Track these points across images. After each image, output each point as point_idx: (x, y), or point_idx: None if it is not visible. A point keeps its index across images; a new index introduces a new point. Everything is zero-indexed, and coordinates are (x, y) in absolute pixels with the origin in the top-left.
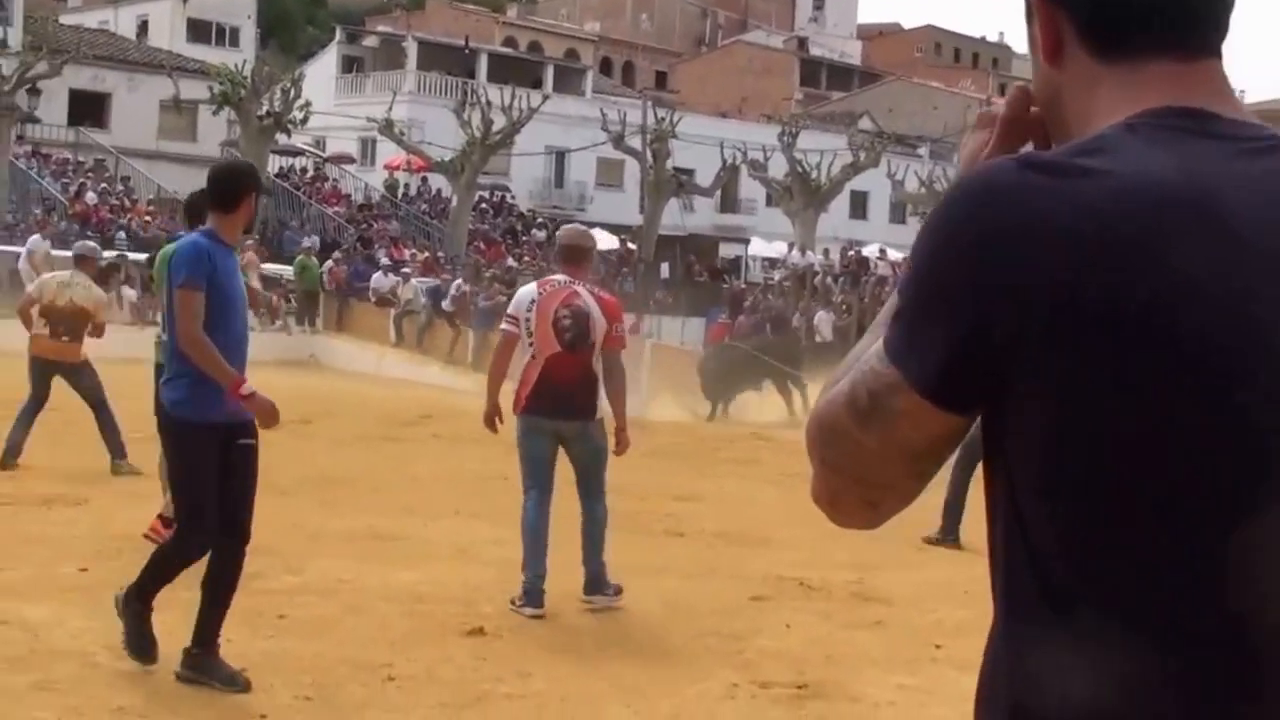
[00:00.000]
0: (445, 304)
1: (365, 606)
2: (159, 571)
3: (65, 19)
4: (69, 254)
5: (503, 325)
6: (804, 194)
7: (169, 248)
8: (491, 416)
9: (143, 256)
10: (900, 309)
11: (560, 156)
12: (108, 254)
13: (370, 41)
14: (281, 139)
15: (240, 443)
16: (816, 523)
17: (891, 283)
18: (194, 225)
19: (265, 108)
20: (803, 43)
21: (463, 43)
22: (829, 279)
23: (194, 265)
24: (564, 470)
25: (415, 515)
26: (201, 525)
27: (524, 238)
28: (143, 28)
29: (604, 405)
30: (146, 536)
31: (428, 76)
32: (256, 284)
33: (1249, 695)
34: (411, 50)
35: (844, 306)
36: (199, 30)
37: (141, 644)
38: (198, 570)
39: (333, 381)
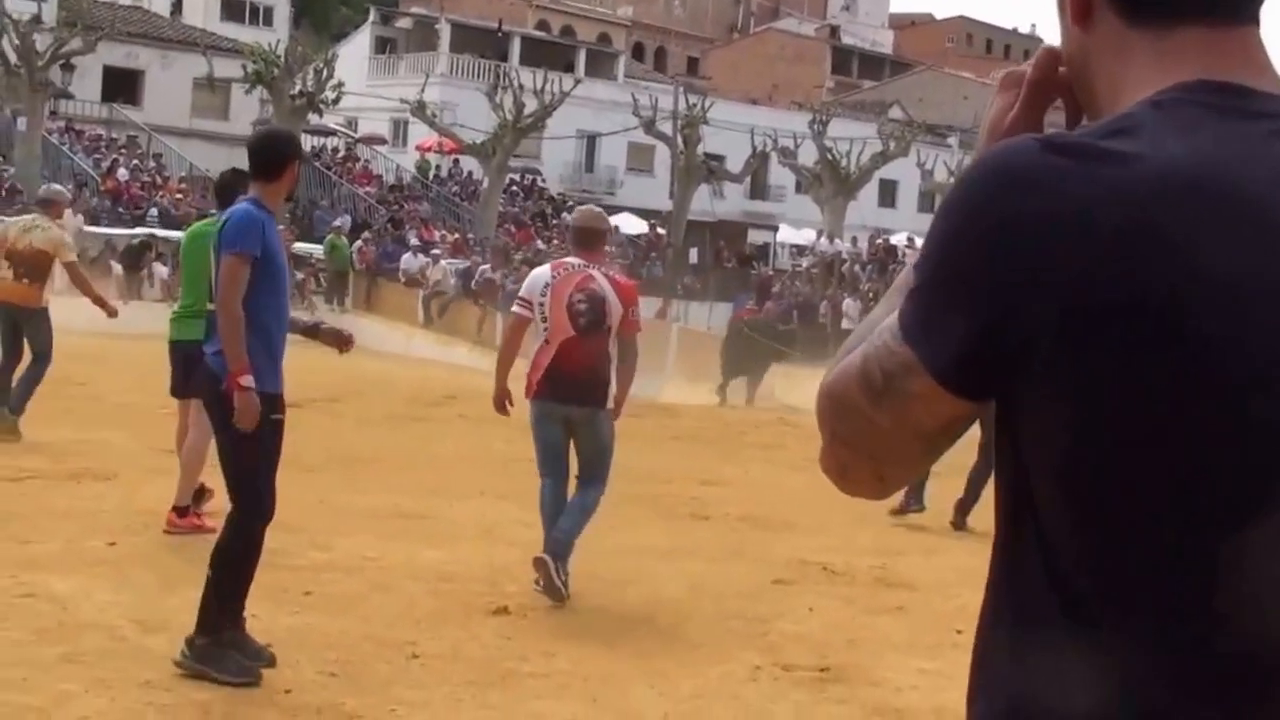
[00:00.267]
0: (474, 285)
1: (391, 584)
2: (225, 564)
3: None
4: (100, 230)
5: (514, 308)
6: (833, 182)
7: (198, 225)
8: (500, 400)
9: (174, 234)
10: (917, 287)
11: (591, 141)
12: (138, 232)
13: (404, 23)
14: (314, 119)
15: (273, 417)
16: (841, 508)
17: None
18: (224, 205)
19: (298, 87)
20: (835, 31)
21: (496, 25)
22: (857, 267)
23: (249, 234)
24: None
25: (441, 495)
26: (262, 500)
27: (554, 221)
28: (177, 5)
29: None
30: (168, 532)
31: (460, 59)
32: None
33: (1254, 698)
34: (445, 32)
35: (871, 295)
36: (233, 9)
37: (259, 659)
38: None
39: (361, 361)
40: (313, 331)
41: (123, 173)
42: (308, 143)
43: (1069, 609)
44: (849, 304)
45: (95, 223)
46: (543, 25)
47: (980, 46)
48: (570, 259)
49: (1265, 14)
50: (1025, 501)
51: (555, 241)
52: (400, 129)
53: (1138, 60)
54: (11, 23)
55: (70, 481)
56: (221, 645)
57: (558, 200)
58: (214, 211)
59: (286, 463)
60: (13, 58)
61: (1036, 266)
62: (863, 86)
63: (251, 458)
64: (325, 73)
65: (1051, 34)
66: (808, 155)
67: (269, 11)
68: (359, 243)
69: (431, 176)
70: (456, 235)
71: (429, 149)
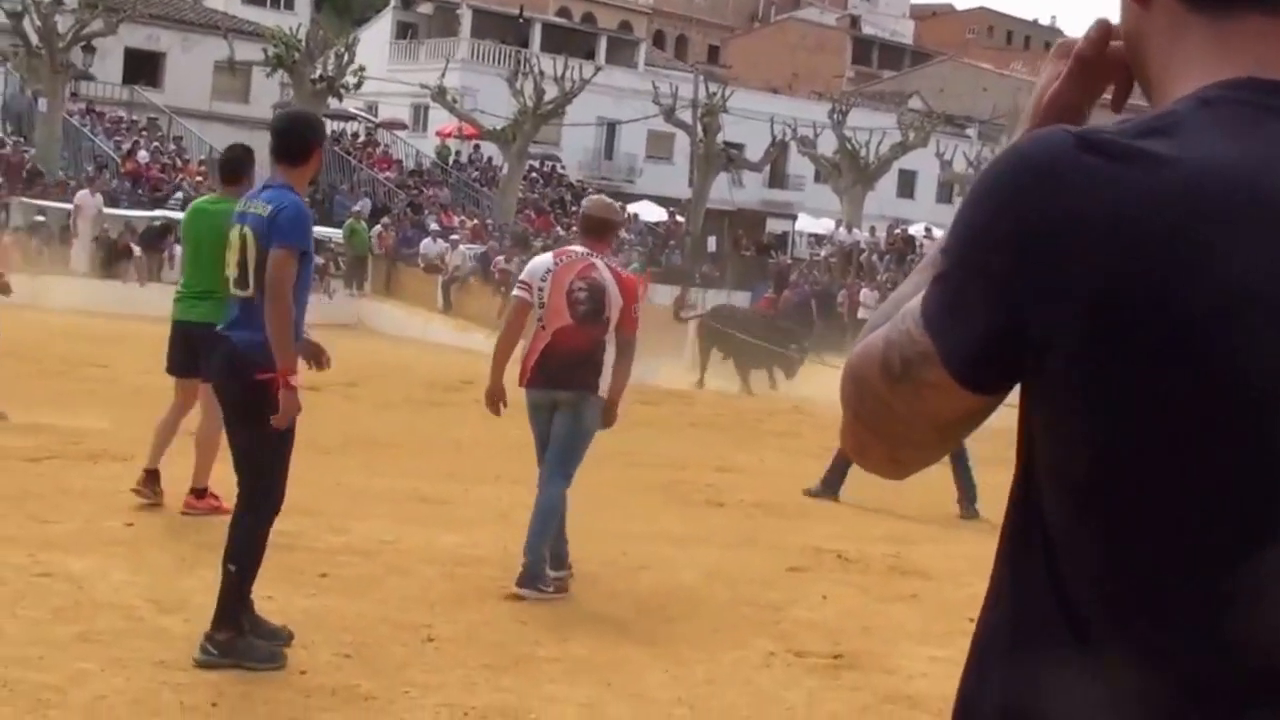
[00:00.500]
0: (492, 270)
1: (407, 568)
2: (246, 551)
3: None
4: (119, 212)
5: (515, 291)
6: (852, 171)
7: (200, 203)
8: (494, 396)
9: None
10: (940, 275)
11: (611, 128)
12: (158, 214)
13: (425, 8)
14: (334, 103)
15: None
16: (855, 496)
17: None
18: (229, 182)
19: (319, 71)
20: (855, 21)
21: (517, 12)
22: (875, 257)
23: (303, 229)
24: (593, 441)
25: (458, 479)
26: (275, 493)
27: (573, 208)
28: None
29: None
30: (185, 513)
31: (481, 44)
32: None
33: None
34: (466, 18)
35: (889, 284)
36: None
37: (275, 638)
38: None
39: (379, 345)
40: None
41: (143, 155)
42: (328, 127)
43: (1072, 619)
44: (865, 293)
45: (115, 204)
46: (564, 12)
47: (1001, 38)
48: (575, 247)
49: None
50: (1034, 504)
51: (574, 228)
52: (420, 114)
53: (1192, 45)
54: (33, 4)
55: (88, 462)
56: (243, 635)
57: (577, 187)
58: (213, 191)
59: (304, 445)
60: (34, 39)
61: (1060, 270)
62: (883, 76)
63: (273, 452)
64: (346, 57)
65: (1071, 27)
66: (827, 145)
67: None
68: (378, 227)
69: (451, 162)
70: (476, 221)
71: (449, 134)
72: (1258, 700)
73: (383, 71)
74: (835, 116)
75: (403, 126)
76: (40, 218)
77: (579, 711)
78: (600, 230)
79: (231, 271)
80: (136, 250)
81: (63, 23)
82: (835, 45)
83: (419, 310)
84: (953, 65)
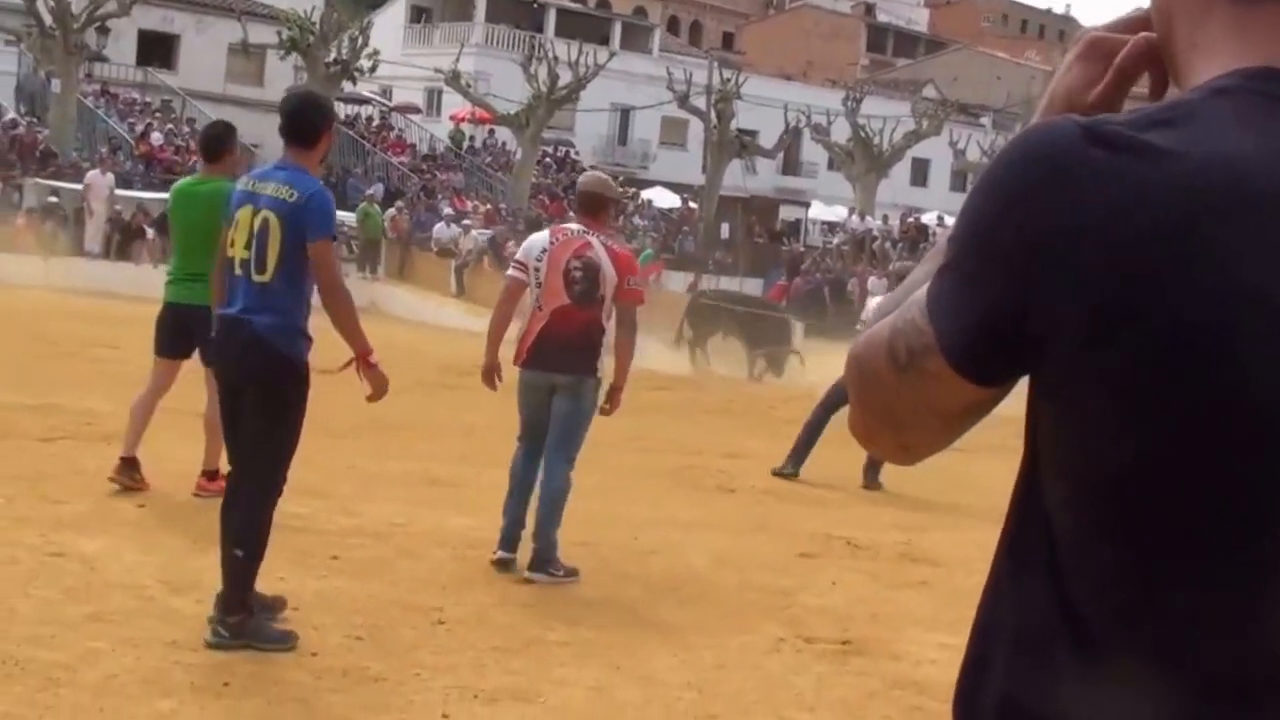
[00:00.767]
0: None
1: (418, 550)
2: (258, 536)
3: None
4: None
5: (510, 271)
6: (866, 159)
7: (185, 184)
8: (489, 373)
9: None
10: (944, 266)
11: (625, 114)
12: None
13: None
14: (348, 87)
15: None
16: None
17: None
18: (211, 160)
19: (333, 55)
20: (870, 8)
21: None
22: (887, 244)
23: (334, 217)
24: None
25: (469, 463)
26: (283, 479)
27: None
28: None
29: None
30: (197, 495)
31: (496, 29)
32: None
33: None
34: (480, 2)
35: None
36: None
37: (276, 607)
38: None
39: (392, 329)
40: None
41: (156, 137)
42: (342, 111)
43: (1073, 618)
44: (874, 282)
45: (128, 186)
46: None
47: (1015, 26)
48: (570, 225)
49: None
50: (1037, 498)
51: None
52: (434, 98)
53: (1215, 29)
54: None
55: (101, 443)
56: (254, 615)
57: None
58: (198, 172)
59: (315, 428)
60: (48, 19)
61: (1060, 264)
62: (897, 64)
63: (290, 440)
64: (360, 41)
65: (1086, 14)
66: (840, 132)
67: None
68: (392, 211)
69: (465, 147)
70: (489, 206)
71: (463, 119)
72: (1269, 706)
73: (397, 55)
74: (849, 104)
75: (416, 111)
76: (53, 198)
77: (588, 694)
78: (596, 207)
79: (240, 254)
80: (150, 232)
81: (76, 3)
82: (850, 33)
83: (432, 294)
84: (967, 53)
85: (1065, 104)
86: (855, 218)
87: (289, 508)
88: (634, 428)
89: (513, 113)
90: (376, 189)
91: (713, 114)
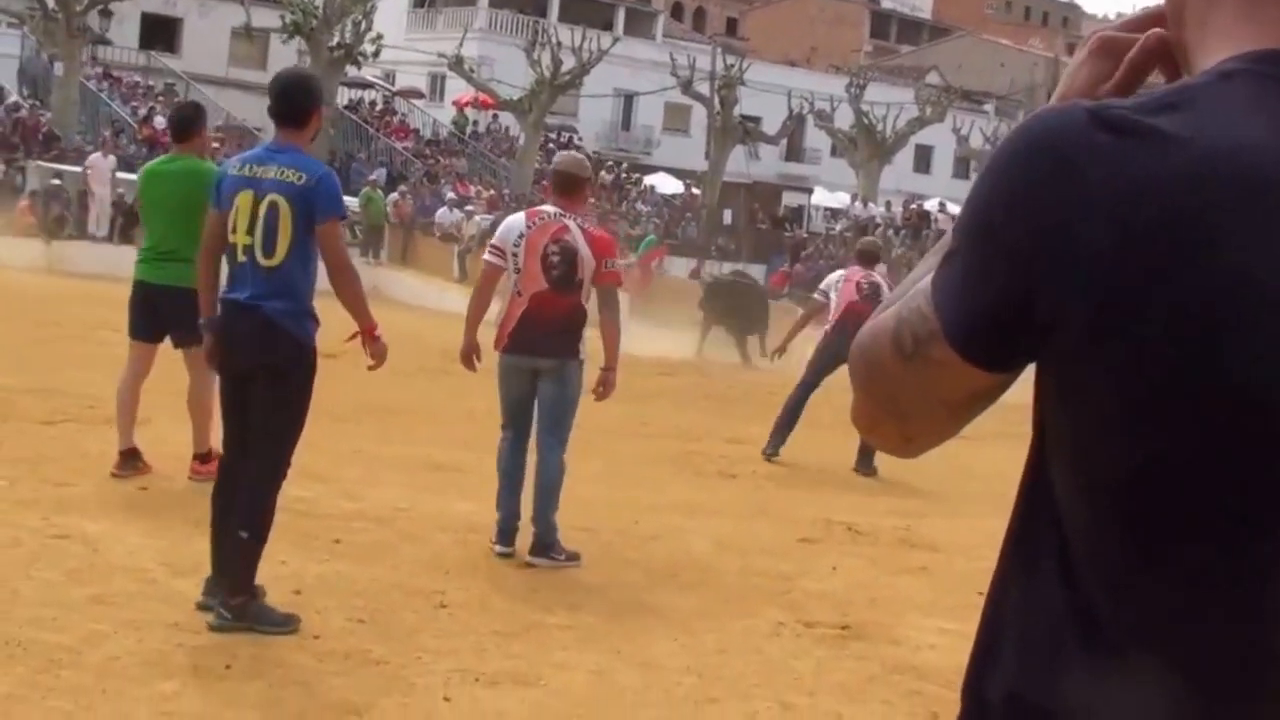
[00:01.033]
0: None
1: (420, 535)
2: (266, 519)
3: None
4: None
5: (486, 255)
6: (869, 146)
7: (156, 164)
8: (469, 354)
9: None
10: (951, 251)
11: (628, 100)
12: None
13: None
14: (351, 71)
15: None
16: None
17: None
18: (181, 140)
19: (336, 39)
20: None
21: None
22: (890, 231)
23: (341, 199)
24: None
25: (472, 447)
26: (291, 455)
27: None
28: None
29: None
30: (192, 479)
31: (499, 14)
32: None
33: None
34: None
35: (904, 261)
36: None
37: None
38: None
39: (395, 314)
40: None
41: (159, 120)
42: (345, 95)
43: (1082, 613)
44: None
45: (131, 169)
46: None
47: (1019, 13)
48: (546, 207)
49: None
50: (1045, 489)
51: (591, 200)
52: (437, 83)
53: (1225, 13)
54: None
55: (103, 425)
56: (256, 598)
57: (594, 158)
58: (172, 151)
59: (318, 413)
60: (50, 3)
61: (1064, 250)
62: (900, 51)
63: (299, 423)
64: (364, 25)
65: (1090, 2)
66: (844, 119)
67: None
68: (394, 196)
69: (468, 132)
70: (492, 191)
71: (466, 104)
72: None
73: (400, 40)
74: (852, 90)
75: (420, 95)
76: (57, 181)
77: (589, 678)
78: (572, 188)
79: (242, 239)
80: None
81: None
82: (853, 19)
83: (435, 279)
84: (971, 40)
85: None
86: (858, 204)
87: (292, 491)
88: (635, 413)
89: (516, 98)
90: (379, 174)
91: (716, 100)
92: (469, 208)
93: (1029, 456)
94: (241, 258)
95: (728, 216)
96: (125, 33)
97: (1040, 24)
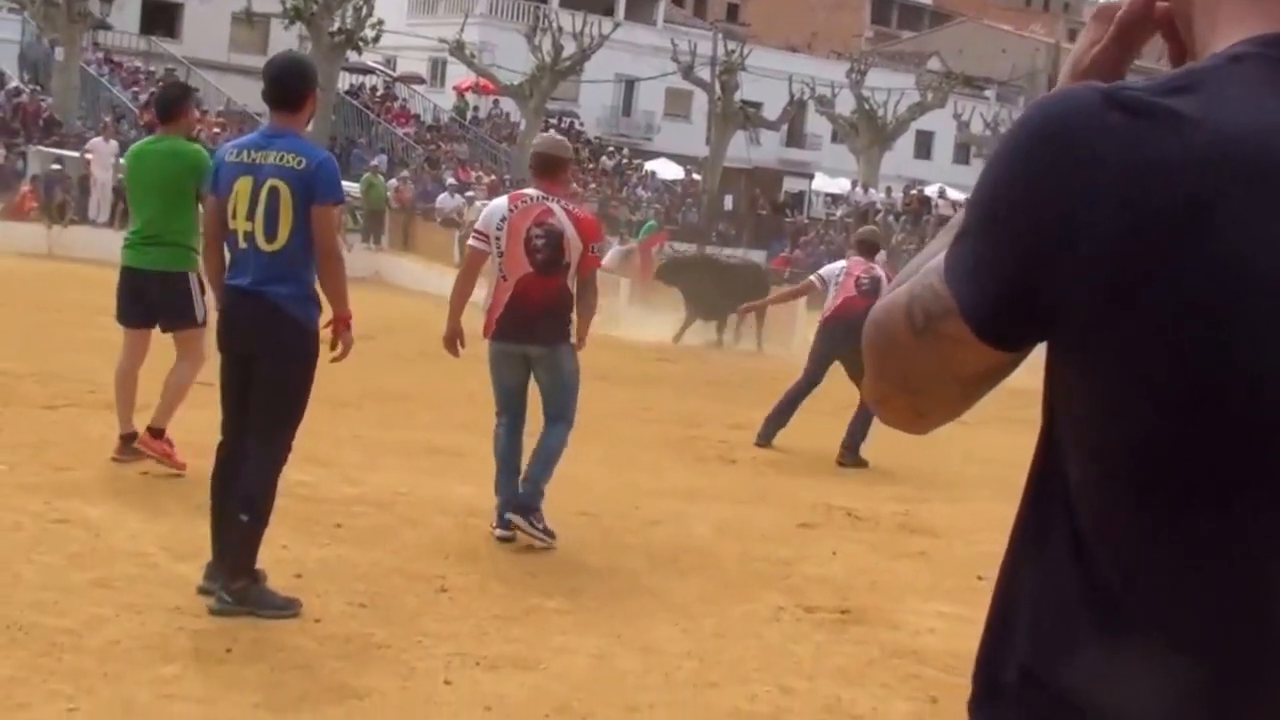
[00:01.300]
0: None
1: (421, 519)
2: (266, 503)
3: None
4: None
5: (470, 241)
6: (870, 131)
7: (142, 145)
8: (452, 339)
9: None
10: (963, 231)
11: (629, 85)
12: None
13: None
14: (352, 56)
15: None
16: (867, 455)
17: None
18: (167, 121)
19: (337, 24)
20: None
21: None
22: (890, 217)
23: (340, 184)
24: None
25: (472, 431)
26: (294, 435)
27: (590, 165)
28: None
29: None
30: (135, 449)
31: None
32: None
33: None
34: None
35: (904, 247)
36: None
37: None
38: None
39: (396, 299)
40: None
41: None
42: (346, 81)
43: (1097, 590)
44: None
45: None
46: None
47: None
48: (529, 190)
49: None
50: (1057, 469)
51: (592, 185)
52: (438, 69)
53: None
54: None
55: (105, 410)
56: (258, 583)
57: (595, 144)
58: (158, 132)
59: (320, 398)
60: None
61: (1074, 229)
62: (902, 37)
63: (301, 406)
64: (364, 10)
65: None
66: (845, 104)
67: None
68: (394, 181)
69: (469, 117)
70: (493, 176)
71: (467, 89)
72: (1249, 675)
73: (401, 25)
74: (853, 76)
75: (420, 81)
76: (57, 166)
77: (589, 662)
78: (553, 169)
79: (242, 225)
80: None
81: None
82: (854, 4)
83: (435, 265)
84: (972, 26)
85: (1071, 70)
86: (859, 190)
87: (293, 476)
88: (637, 399)
89: (517, 83)
90: (380, 159)
91: (717, 85)
92: (469, 193)
93: (1040, 438)
94: (243, 244)
95: (728, 202)
96: (126, 18)
97: (1042, 9)
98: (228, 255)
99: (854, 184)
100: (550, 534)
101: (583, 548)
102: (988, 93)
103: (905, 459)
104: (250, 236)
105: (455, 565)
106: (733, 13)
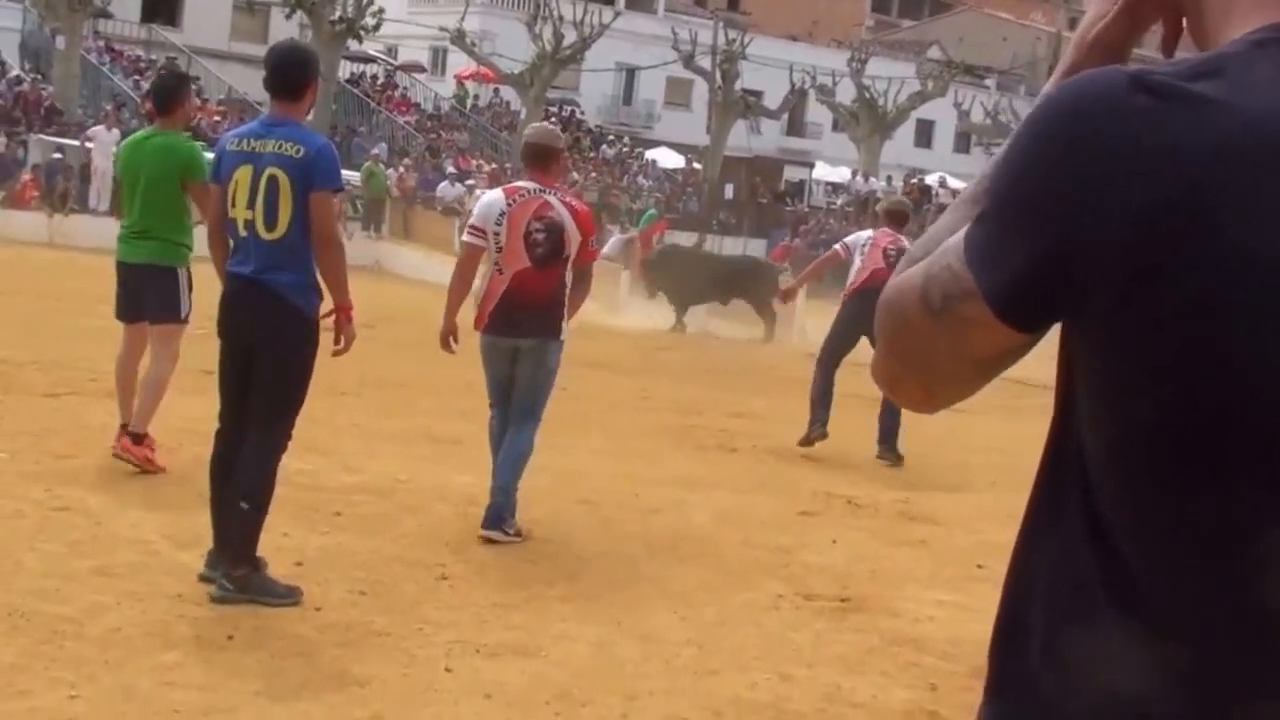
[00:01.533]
0: None
1: (421, 507)
2: (266, 490)
3: None
4: None
5: (465, 237)
6: (870, 120)
7: (138, 136)
8: (447, 337)
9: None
10: (984, 212)
11: (630, 74)
12: None
13: None
14: (353, 45)
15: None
16: (867, 443)
17: None
18: (165, 112)
19: (338, 12)
20: None
21: None
22: None
23: (340, 170)
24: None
25: (471, 420)
26: (294, 423)
27: (591, 154)
28: None
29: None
30: (117, 456)
31: None
32: None
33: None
34: None
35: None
36: None
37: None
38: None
39: (397, 288)
40: None
41: None
42: (346, 69)
43: (1113, 574)
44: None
45: None
46: None
47: None
48: (524, 183)
49: None
50: (1073, 451)
51: (593, 174)
52: (439, 57)
53: None
54: None
55: (106, 398)
56: (258, 570)
57: (595, 133)
58: (153, 124)
59: (320, 387)
60: None
61: (1102, 210)
62: (902, 26)
63: (301, 394)
64: None
65: None
66: (845, 93)
67: None
68: (394, 170)
69: (470, 106)
70: (494, 165)
71: (468, 78)
72: (1246, 665)
73: (402, 14)
74: (854, 65)
75: (421, 70)
76: (58, 155)
77: (589, 650)
78: (545, 159)
79: (242, 214)
80: None
81: None
82: None
83: (436, 253)
84: (972, 15)
85: (1079, 45)
86: (859, 179)
87: (293, 464)
88: (637, 387)
89: (517, 72)
90: (381, 148)
91: (718, 74)
92: (470, 182)
93: (1054, 419)
94: (243, 232)
95: (729, 191)
96: (126, 6)
97: None
98: (234, 243)
99: (854, 173)
100: (520, 534)
101: (582, 536)
102: (988, 82)
103: (905, 447)
104: (251, 225)
105: (455, 553)
106: (733, 1)
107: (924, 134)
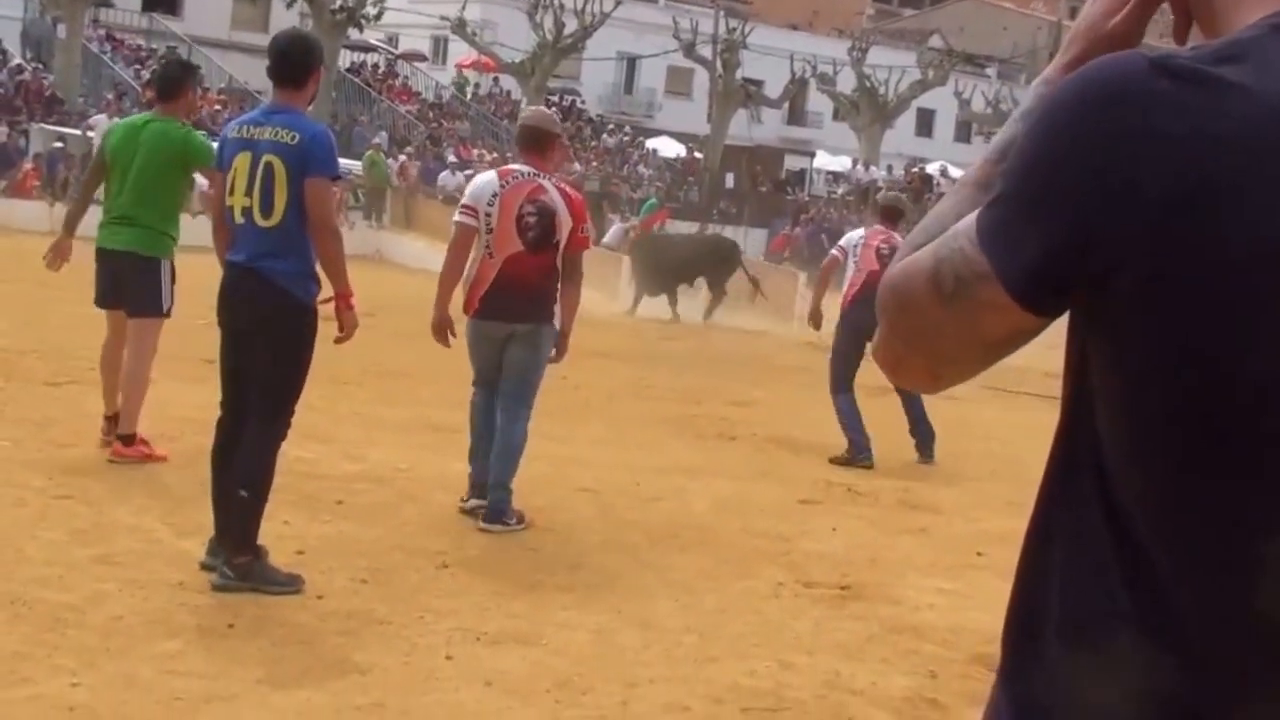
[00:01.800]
0: None
1: (422, 495)
2: (266, 478)
3: None
4: None
5: (457, 217)
6: (871, 109)
7: (131, 121)
8: (442, 328)
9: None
10: (1001, 194)
11: (631, 63)
12: None
13: None
14: (354, 34)
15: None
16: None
17: None
18: (167, 100)
19: (339, 1)
20: None
21: None
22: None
23: (336, 157)
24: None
25: None
26: (293, 411)
27: (592, 143)
28: None
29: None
30: (113, 461)
31: None
32: None
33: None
34: None
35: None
36: None
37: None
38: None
39: (398, 277)
40: None
41: None
42: (347, 58)
43: (1127, 555)
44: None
45: None
46: None
47: None
48: (518, 166)
49: None
50: (1086, 435)
51: (594, 163)
52: (440, 46)
53: None
54: None
55: None
56: (260, 558)
57: (596, 122)
58: (140, 110)
59: (321, 376)
60: None
61: (1125, 192)
62: (903, 14)
63: (300, 382)
64: None
65: None
66: (846, 82)
67: None
68: (393, 161)
69: (470, 95)
70: (494, 154)
71: (468, 67)
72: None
73: (403, 2)
74: (855, 54)
75: (422, 58)
76: (59, 144)
77: (589, 638)
78: (541, 143)
79: (239, 201)
80: None
81: None
82: None
83: (437, 242)
84: (973, 4)
85: (1087, 35)
86: (860, 168)
87: (294, 452)
88: (638, 376)
89: (518, 61)
90: (382, 137)
91: (718, 63)
92: (470, 171)
93: (1064, 404)
94: (240, 219)
95: (729, 180)
96: None
97: None
98: (231, 230)
99: (855, 162)
100: (523, 519)
101: (583, 524)
102: (989, 70)
103: (906, 436)
104: (248, 212)
105: (456, 541)
106: None
107: (925, 123)
